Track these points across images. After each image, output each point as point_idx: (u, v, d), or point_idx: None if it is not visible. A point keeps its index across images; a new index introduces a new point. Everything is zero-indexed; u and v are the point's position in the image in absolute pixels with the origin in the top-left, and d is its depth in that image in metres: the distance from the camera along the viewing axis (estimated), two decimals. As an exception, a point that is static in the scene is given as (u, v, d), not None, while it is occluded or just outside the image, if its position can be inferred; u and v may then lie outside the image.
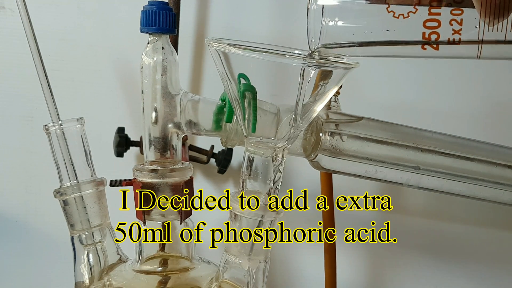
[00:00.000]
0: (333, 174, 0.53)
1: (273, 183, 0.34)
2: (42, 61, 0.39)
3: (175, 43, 0.55)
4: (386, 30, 0.30)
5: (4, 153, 0.62)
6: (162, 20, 0.38)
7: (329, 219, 0.54)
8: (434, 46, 0.30)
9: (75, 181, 0.39)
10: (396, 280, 0.67)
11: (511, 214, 0.64)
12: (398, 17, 0.29)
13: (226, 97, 0.38)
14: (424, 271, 0.67)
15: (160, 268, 0.40)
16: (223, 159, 0.59)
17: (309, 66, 0.29)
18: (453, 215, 0.66)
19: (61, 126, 0.39)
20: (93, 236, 0.39)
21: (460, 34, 0.29)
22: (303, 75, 0.29)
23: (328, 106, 0.44)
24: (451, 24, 0.29)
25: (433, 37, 0.29)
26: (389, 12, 0.30)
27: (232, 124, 0.39)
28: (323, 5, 0.31)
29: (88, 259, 0.39)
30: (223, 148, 0.59)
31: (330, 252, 0.55)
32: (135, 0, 0.42)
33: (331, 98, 0.39)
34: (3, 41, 0.60)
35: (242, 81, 0.32)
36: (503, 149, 0.46)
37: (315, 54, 0.32)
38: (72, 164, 0.39)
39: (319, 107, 0.33)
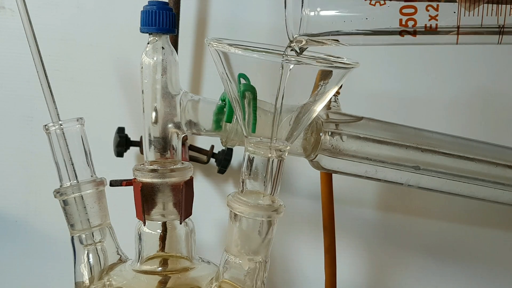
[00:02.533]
0: (333, 174, 0.53)
1: (273, 183, 0.34)
2: (42, 61, 0.39)
3: (175, 43, 0.55)
4: (366, 18, 0.30)
5: (4, 153, 0.62)
6: (162, 20, 0.38)
7: (329, 219, 0.54)
8: (412, 32, 0.30)
9: (75, 181, 0.39)
10: (396, 280, 0.67)
11: (511, 214, 0.64)
12: (374, 5, 0.30)
13: (226, 97, 0.38)
14: (424, 271, 0.67)
15: (160, 268, 0.40)
16: (223, 159, 0.59)
17: (289, 64, 0.29)
18: (454, 216, 0.66)
19: (61, 126, 0.39)
20: (93, 236, 0.39)
21: (436, 20, 0.29)
22: (282, 67, 0.29)
23: (328, 106, 0.44)
24: (428, 10, 0.29)
25: (410, 23, 0.29)
26: None
27: (232, 124, 0.39)
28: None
29: (88, 259, 0.39)
30: (223, 148, 0.59)
31: (330, 252, 0.55)
32: (135, 0, 0.42)
33: (331, 98, 0.39)
34: (3, 41, 0.60)
35: (242, 81, 0.32)
36: (503, 149, 0.46)
37: (294, 44, 0.32)
38: (72, 164, 0.39)
39: (319, 107, 0.33)
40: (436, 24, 0.29)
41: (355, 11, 0.30)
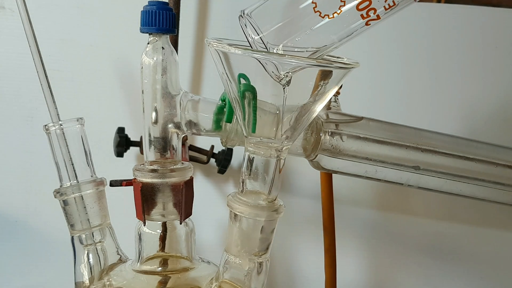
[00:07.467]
0: (333, 174, 0.53)
1: (273, 183, 0.34)
2: (42, 61, 0.39)
3: (175, 43, 0.55)
4: (331, 29, 0.31)
5: (4, 153, 0.62)
6: (162, 20, 0.38)
7: (329, 219, 0.54)
8: (375, 18, 0.31)
9: (75, 181, 0.39)
10: (396, 280, 0.67)
11: (511, 214, 0.64)
12: (333, 17, 0.31)
13: (226, 97, 0.38)
14: (424, 271, 0.67)
15: (160, 268, 0.40)
16: (223, 159, 0.59)
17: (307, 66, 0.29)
18: (454, 215, 0.66)
19: (61, 126, 0.39)
20: (93, 236, 0.39)
21: None
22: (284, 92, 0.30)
23: (328, 106, 0.44)
24: None
25: (371, 13, 0.31)
26: (323, 17, 0.31)
27: (232, 124, 0.39)
28: (261, 38, 0.32)
29: (88, 259, 0.39)
30: (223, 148, 0.59)
31: (330, 252, 0.55)
32: (135, 0, 0.42)
33: (331, 98, 0.39)
34: (3, 41, 0.60)
35: (242, 81, 0.32)
36: (503, 149, 0.46)
37: (282, 82, 0.33)
38: (72, 164, 0.39)
39: (319, 107, 0.33)
40: (393, 1, 0.31)
41: (319, 28, 0.31)
